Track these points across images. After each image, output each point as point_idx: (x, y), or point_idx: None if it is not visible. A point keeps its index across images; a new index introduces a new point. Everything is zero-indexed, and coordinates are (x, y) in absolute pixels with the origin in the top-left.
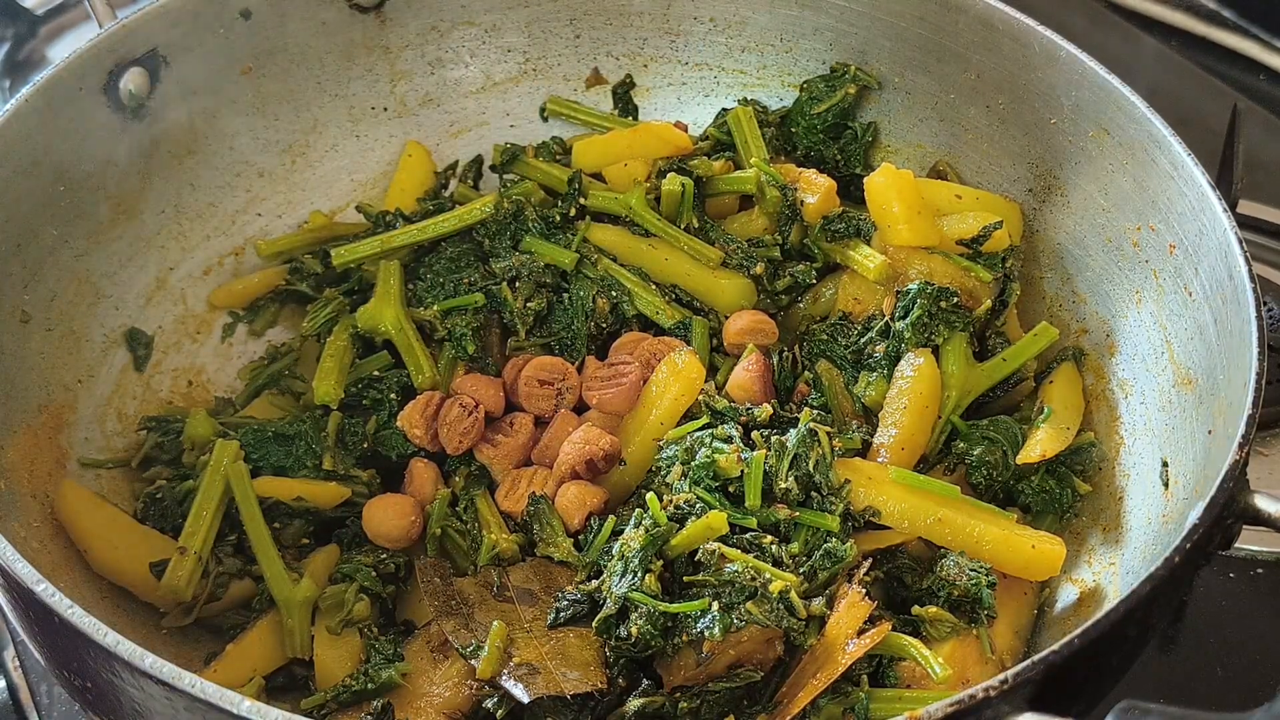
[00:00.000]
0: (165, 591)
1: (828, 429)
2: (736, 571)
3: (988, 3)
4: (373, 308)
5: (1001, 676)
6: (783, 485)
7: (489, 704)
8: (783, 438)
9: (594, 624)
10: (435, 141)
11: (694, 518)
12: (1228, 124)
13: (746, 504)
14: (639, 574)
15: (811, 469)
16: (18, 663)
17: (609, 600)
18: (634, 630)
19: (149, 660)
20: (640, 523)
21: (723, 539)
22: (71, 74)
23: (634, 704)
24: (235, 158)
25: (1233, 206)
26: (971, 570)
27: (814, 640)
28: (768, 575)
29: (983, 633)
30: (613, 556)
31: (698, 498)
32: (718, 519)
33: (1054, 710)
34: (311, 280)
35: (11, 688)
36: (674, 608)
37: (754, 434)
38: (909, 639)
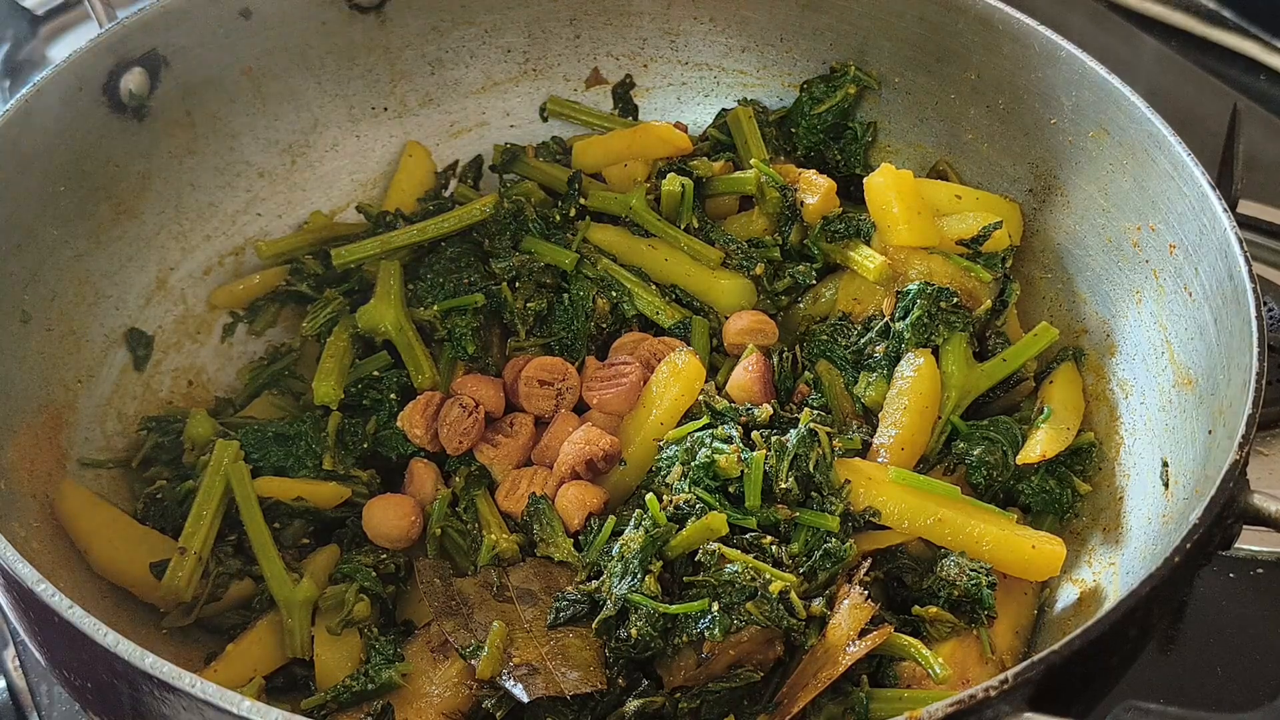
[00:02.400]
0: (165, 591)
1: (828, 429)
2: (736, 572)
3: (988, 3)
4: (373, 308)
5: (1002, 676)
6: (783, 485)
7: (488, 704)
8: (783, 438)
9: (594, 625)
10: (435, 141)
11: (694, 518)
12: (1228, 124)
13: (746, 504)
14: (639, 575)
15: (812, 469)
16: (18, 663)
17: (609, 601)
18: (633, 632)
19: (149, 660)
20: (640, 524)
21: (723, 539)
22: (71, 74)
23: (633, 704)
24: (235, 158)
25: (1233, 206)
26: (972, 570)
27: (815, 640)
28: (767, 575)
29: (983, 633)
30: (613, 557)
31: (697, 498)
32: (717, 520)
33: (1054, 710)
34: (312, 281)
35: (11, 688)
36: (674, 609)
37: (754, 434)
38: (909, 639)
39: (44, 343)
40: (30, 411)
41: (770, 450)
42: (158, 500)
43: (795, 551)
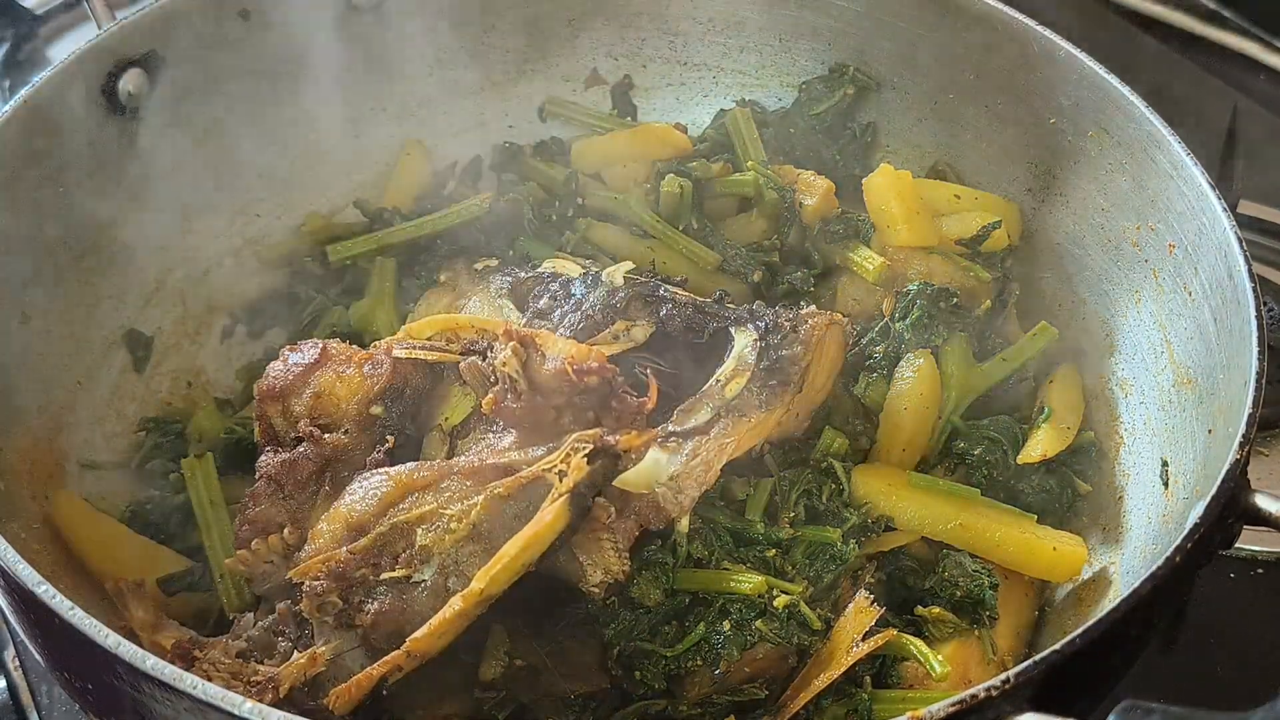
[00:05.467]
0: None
1: (844, 462)
2: (745, 588)
3: (988, 3)
4: (366, 307)
5: (1003, 676)
6: (790, 515)
7: (490, 706)
8: (797, 473)
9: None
10: (434, 142)
11: (699, 540)
12: (1228, 124)
13: (750, 532)
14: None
15: (824, 501)
16: (18, 663)
17: (618, 644)
18: (638, 676)
19: (150, 661)
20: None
21: (730, 554)
22: (71, 74)
23: (636, 705)
24: (235, 158)
25: (1233, 207)
26: (974, 571)
27: (821, 644)
28: (774, 590)
29: (984, 634)
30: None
31: (705, 519)
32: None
33: (1055, 710)
34: (312, 282)
35: (12, 688)
36: (680, 649)
37: (766, 456)
38: (908, 637)
39: (44, 343)
40: (30, 413)
41: (778, 480)
42: (146, 510)
43: (798, 560)
